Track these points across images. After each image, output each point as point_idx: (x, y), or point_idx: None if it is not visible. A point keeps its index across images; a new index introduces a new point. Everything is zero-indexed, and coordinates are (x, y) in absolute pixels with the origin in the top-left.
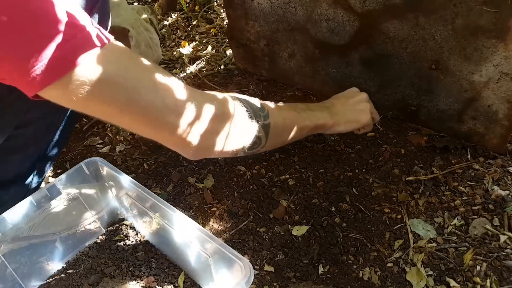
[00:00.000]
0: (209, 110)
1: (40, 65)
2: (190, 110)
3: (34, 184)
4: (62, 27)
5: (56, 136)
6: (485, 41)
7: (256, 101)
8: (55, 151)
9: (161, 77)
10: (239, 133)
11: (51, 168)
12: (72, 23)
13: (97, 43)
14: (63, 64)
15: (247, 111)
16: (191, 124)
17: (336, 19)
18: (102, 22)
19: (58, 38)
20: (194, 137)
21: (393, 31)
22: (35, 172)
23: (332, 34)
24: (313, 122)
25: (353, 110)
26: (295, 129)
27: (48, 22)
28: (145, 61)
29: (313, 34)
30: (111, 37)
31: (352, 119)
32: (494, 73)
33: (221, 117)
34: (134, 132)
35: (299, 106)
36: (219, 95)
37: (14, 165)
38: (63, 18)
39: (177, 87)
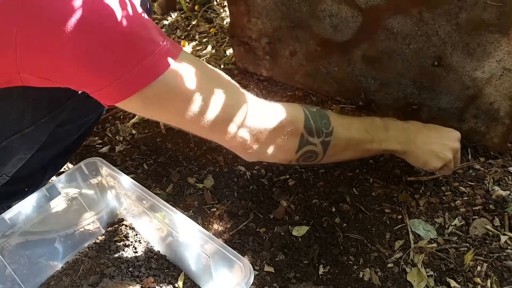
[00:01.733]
0: (272, 121)
1: (123, 78)
2: (254, 121)
3: (47, 179)
4: (144, 44)
5: (77, 137)
6: (488, 36)
7: (325, 116)
8: (74, 148)
9: (229, 88)
10: (291, 146)
11: (66, 164)
12: (151, 39)
13: (172, 56)
14: (144, 78)
15: (307, 126)
16: (253, 133)
17: (340, 15)
18: None
19: (140, 54)
20: (254, 145)
21: (396, 27)
22: (51, 167)
23: (335, 30)
24: (382, 147)
25: (432, 151)
26: (358, 150)
27: (133, 39)
28: (213, 70)
29: (316, 31)
30: (180, 47)
31: (424, 158)
32: (497, 69)
33: (280, 129)
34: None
35: (376, 124)
36: (287, 106)
37: (37, 159)
38: (144, 34)
39: (244, 97)
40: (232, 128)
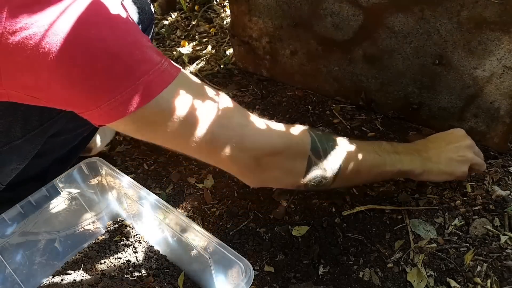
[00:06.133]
0: (276, 143)
1: (113, 100)
2: (255, 144)
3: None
4: (137, 65)
5: (77, 142)
6: (489, 34)
7: (331, 138)
8: (74, 155)
9: (230, 110)
10: (298, 169)
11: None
12: (146, 59)
13: (169, 77)
14: (137, 99)
15: (313, 147)
16: (255, 157)
17: (341, 14)
18: None
19: (134, 75)
20: (253, 171)
21: (397, 25)
22: (51, 173)
23: (336, 29)
24: (396, 168)
25: (450, 158)
26: (372, 173)
27: (123, 60)
28: (211, 92)
29: (317, 30)
30: (178, 68)
31: (446, 169)
32: (498, 68)
33: (284, 152)
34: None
35: (384, 147)
36: (291, 127)
37: (35, 166)
38: (138, 54)
39: (244, 118)
40: (231, 152)
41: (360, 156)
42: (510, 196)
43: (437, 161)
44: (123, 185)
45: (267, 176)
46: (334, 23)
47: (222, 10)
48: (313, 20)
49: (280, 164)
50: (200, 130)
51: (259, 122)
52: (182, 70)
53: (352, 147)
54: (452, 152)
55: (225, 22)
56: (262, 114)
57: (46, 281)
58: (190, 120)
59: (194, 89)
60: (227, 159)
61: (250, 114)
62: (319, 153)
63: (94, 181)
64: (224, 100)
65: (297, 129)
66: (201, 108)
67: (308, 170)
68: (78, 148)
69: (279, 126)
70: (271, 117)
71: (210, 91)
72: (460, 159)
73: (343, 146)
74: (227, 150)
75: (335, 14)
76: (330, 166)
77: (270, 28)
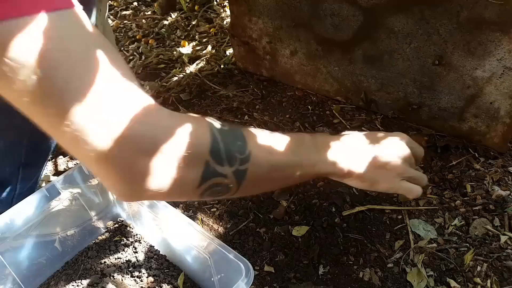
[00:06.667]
0: (163, 138)
1: None
2: (134, 132)
3: (19, 190)
4: None
5: (35, 144)
6: (489, 34)
7: (241, 136)
8: (39, 158)
9: (111, 83)
10: (190, 178)
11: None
12: None
13: (48, 6)
14: None
15: (214, 150)
16: (130, 152)
17: (341, 14)
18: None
19: None
20: (129, 174)
21: (397, 26)
22: (20, 177)
23: (336, 30)
24: (314, 170)
25: (375, 170)
26: (283, 178)
27: None
28: (101, 54)
29: (317, 30)
30: (72, 3)
31: (369, 180)
32: (498, 68)
33: (174, 153)
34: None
35: (305, 142)
36: (186, 118)
37: None
38: None
39: (129, 93)
40: (101, 143)
41: (273, 157)
42: (510, 196)
43: (364, 164)
44: None
45: (145, 186)
46: (333, 24)
47: (222, 10)
48: (312, 20)
49: (167, 170)
50: (57, 99)
51: (148, 101)
52: (78, 9)
53: (264, 148)
54: (386, 157)
55: (225, 22)
56: (262, 114)
57: (46, 281)
58: (43, 61)
59: (80, 39)
60: (81, 141)
61: (140, 91)
62: (221, 156)
63: (94, 181)
64: (119, 63)
65: (196, 121)
66: (70, 51)
67: (204, 178)
68: (41, 150)
69: (170, 113)
70: (271, 117)
71: (94, 35)
72: (389, 175)
73: (254, 146)
74: (97, 140)
75: (335, 14)
76: (234, 172)
77: (270, 28)
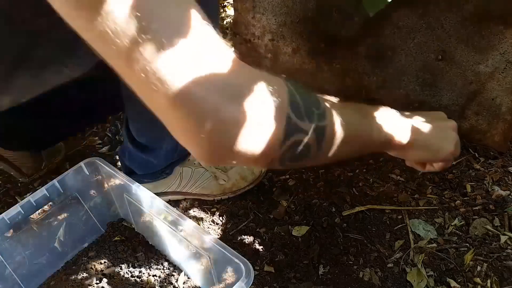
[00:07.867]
0: (247, 87)
1: None
2: (227, 82)
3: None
4: None
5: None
6: (493, 27)
7: (311, 92)
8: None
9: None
10: (274, 133)
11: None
12: None
13: None
14: None
15: (293, 102)
16: (212, 109)
17: (346, 10)
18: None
19: None
20: (220, 125)
21: (402, 20)
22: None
23: (340, 26)
24: (381, 137)
25: (438, 134)
26: (358, 142)
27: None
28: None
29: (321, 26)
30: None
31: (435, 146)
32: (500, 62)
33: (257, 103)
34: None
35: (367, 110)
36: (262, 72)
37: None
38: None
39: (219, 49)
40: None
41: (346, 117)
42: (510, 196)
43: (427, 134)
44: (123, 185)
45: (233, 133)
46: (338, 19)
47: (222, 10)
48: (317, 16)
49: (251, 117)
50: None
51: (228, 54)
52: None
53: (336, 105)
54: (441, 128)
55: (225, 22)
56: None
57: (46, 281)
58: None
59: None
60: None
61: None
62: (299, 109)
63: (94, 181)
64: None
65: (273, 76)
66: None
67: (286, 134)
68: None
69: (248, 65)
70: None
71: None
72: (449, 136)
73: (326, 104)
74: (185, 81)
75: (341, 10)
76: (314, 129)
77: (274, 25)
